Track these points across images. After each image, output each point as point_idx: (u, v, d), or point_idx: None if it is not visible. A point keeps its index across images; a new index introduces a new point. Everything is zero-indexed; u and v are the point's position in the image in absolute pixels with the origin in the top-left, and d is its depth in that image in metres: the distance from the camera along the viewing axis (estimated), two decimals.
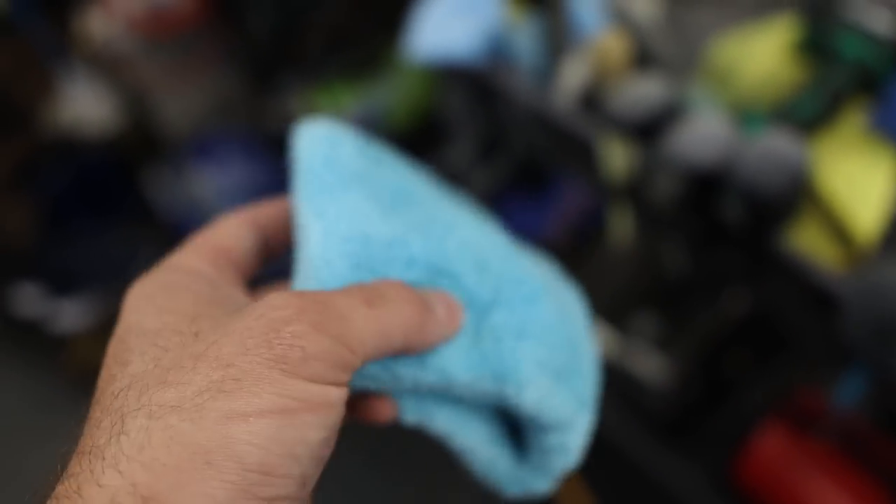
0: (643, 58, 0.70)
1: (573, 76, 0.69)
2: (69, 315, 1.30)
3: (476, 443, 0.33)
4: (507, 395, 0.30)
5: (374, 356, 0.26)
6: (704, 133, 0.59)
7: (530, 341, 0.31)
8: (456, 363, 0.29)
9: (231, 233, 0.31)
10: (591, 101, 0.70)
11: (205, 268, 0.29)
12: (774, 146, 0.57)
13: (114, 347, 0.26)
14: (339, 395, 0.24)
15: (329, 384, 0.24)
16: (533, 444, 0.33)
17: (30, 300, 1.32)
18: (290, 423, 0.22)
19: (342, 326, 0.25)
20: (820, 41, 0.65)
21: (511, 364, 0.30)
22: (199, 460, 0.21)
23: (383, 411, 0.32)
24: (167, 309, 0.26)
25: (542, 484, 0.34)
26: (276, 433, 0.22)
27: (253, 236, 0.32)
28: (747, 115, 0.65)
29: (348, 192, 0.30)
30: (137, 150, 1.44)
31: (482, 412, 0.34)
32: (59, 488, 0.22)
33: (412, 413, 0.32)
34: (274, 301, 0.24)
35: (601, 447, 0.95)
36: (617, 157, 0.67)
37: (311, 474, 0.24)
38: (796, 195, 0.59)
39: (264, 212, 0.33)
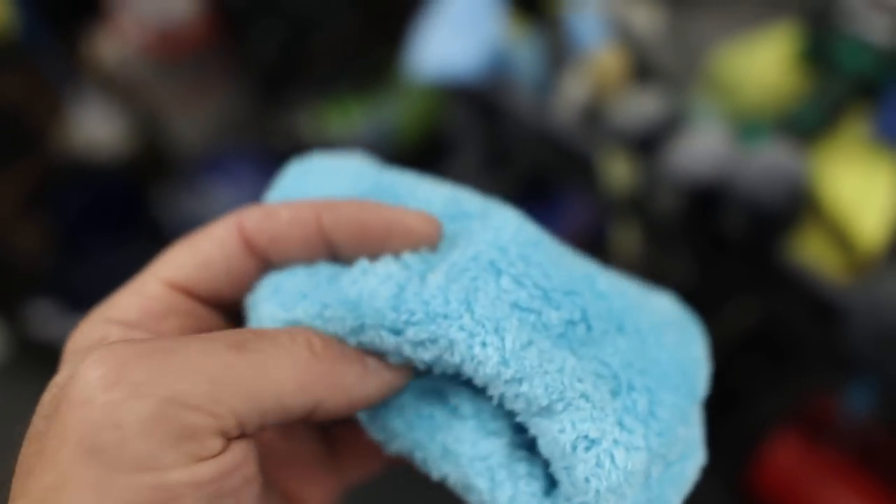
0: (643, 71, 0.70)
1: (574, 91, 0.70)
2: None
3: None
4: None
5: (252, 414, 0.19)
6: (704, 146, 0.59)
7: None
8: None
9: (202, 259, 0.24)
10: (592, 115, 0.70)
11: (141, 319, 0.23)
12: (775, 159, 0.57)
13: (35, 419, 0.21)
14: (191, 474, 0.18)
15: (176, 466, 0.17)
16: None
17: (45, 320, 1.33)
18: None
19: (182, 382, 0.18)
20: (820, 50, 0.65)
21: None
22: None
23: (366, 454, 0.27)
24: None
25: None
26: None
27: (245, 256, 0.24)
28: (749, 125, 0.65)
29: None
30: (149, 169, 1.46)
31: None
32: None
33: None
34: (92, 357, 0.18)
35: None
36: (619, 171, 0.67)
37: None
38: (797, 207, 0.59)
39: (273, 227, 0.24)
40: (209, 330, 0.24)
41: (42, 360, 1.42)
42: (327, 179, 0.28)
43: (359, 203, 0.24)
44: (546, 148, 0.76)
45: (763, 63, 0.69)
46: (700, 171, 0.59)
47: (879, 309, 0.53)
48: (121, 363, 0.18)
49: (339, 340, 0.23)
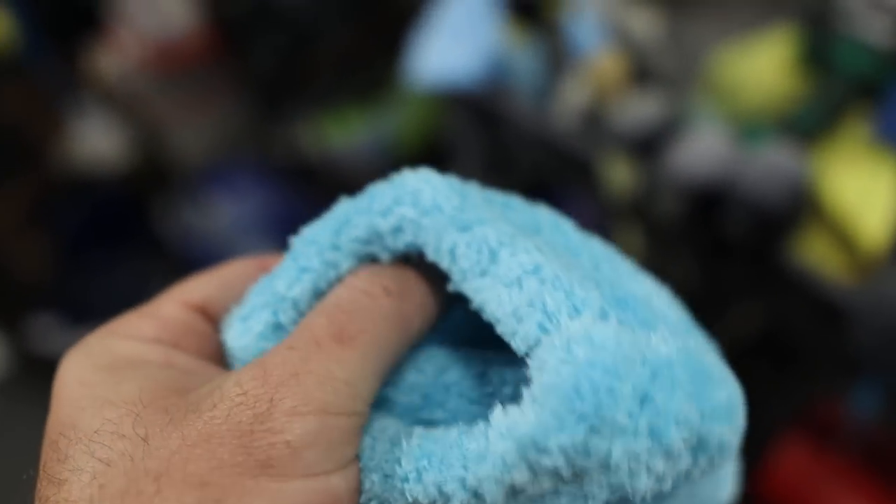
0: (643, 74, 0.70)
1: (573, 96, 0.70)
2: None
3: None
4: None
5: (375, 390, 0.21)
6: (703, 149, 0.59)
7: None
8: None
9: (220, 281, 0.25)
10: (592, 119, 0.70)
11: (153, 333, 0.23)
12: (775, 161, 0.57)
13: (46, 454, 0.20)
14: (345, 478, 0.20)
15: (332, 472, 0.19)
16: None
17: (46, 334, 1.33)
18: None
19: (325, 392, 0.19)
20: (819, 52, 0.65)
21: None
22: None
23: None
24: (107, 400, 0.20)
25: None
26: None
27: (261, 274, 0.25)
28: (750, 127, 0.65)
29: None
30: (149, 183, 1.46)
31: None
32: None
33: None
34: (233, 390, 0.19)
35: None
36: (620, 175, 0.67)
37: None
38: (800, 209, 0.58)
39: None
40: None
41: (43, 373, 1.42)
42: None
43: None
44: (546, 153, 0.76)
45: (763, 65, 0.69)
46: (701, 173, 0.59)
47: (884, 310, 0.53)
48: (264, 394, 0.19)
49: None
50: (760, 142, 0.62)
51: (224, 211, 1.38)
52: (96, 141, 1.31)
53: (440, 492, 0.21)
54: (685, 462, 0.21)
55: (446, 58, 0.75)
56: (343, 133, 1.33)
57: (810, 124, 0.62)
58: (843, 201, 0.60)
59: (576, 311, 0.21)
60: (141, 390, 0.20)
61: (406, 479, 0.21)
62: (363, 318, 0.21)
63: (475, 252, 0.22)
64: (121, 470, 0.18)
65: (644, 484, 0.21)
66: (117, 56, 1.26)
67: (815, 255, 0.62)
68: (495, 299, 0.22)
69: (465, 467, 0.20)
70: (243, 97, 1.41)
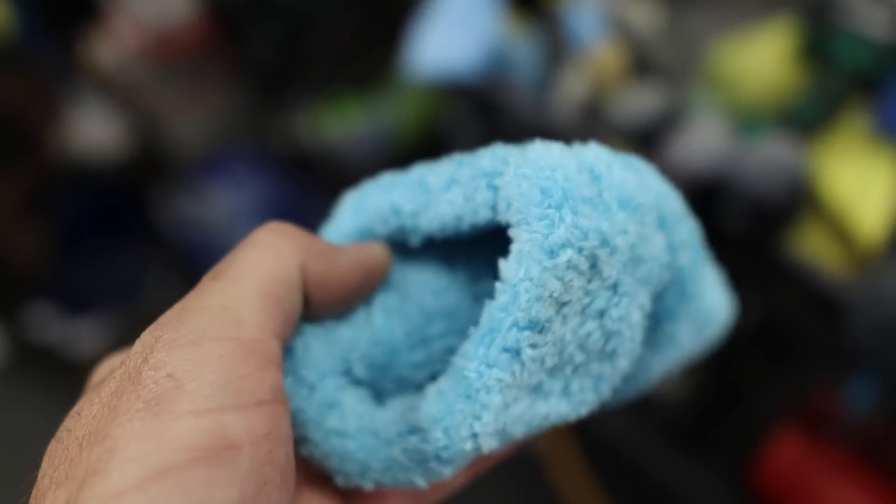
0: (642, 66, 0.70)
1: (572, 87, 0.70)
2: (83, 337, 1.32)
3: None
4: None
5: (264, 314, 0.21)
6: (702, 141, 0.59)
7: None
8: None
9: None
10: (591, 111, 0.70)
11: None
12: (772, 153, 0.57)
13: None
14: (247, 419, 0.18)
15: (228, 410, 0.18)
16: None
17: (43, 323, 1.33)
18: (179, 486, 0.17)
19: (200, 319, 0.20)
20: (819, 46, 0.65)
21: None
22: None
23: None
24: (87, 396, 0.21)
25: None
26: None
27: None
28: (749, 120, 0.65)
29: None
30: (147, 172, 1.46)
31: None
32: None
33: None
34: (134, 347, 0.20)
35: (615, 455, 0.95)
36: None
37: None
38: (797, 201, 0.59)
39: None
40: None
41: (40, 362, 1.42)
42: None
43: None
44: None
45: (762, 58, 0.69)
46: (699, 166, 0.59)
47: (880, 303, 0.53)
48: (155, 325, 0.20)
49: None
50: (759, 135, 0.62)
51: (221, 200, 1.38)
52: (94, 130, 1.31)
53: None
54: (659, 238, 0.25)
55: (445, 49, 0.75)
56: (341, 123, 1.33)
57: (809, 117, 0.62)
58: (841, 194, 0.60)
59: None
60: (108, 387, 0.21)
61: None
62: (233, 256, 0.22)
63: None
64: (64, 444, 0.19)
65: (645, 253, 0.24)
66: (115, 45, 1.25)
67: (813, 248, 0.62)
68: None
69: (505, 310, 0.22)
70: (241, 86, 1.40)
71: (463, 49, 0.74)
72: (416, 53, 0.77)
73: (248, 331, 0.20)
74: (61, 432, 0.20)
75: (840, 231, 0.61)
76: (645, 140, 0.64)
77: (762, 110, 0.67)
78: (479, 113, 0.83)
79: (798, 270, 0.61)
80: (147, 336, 0.20)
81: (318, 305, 0.24)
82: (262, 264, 0.22)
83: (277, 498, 0.19)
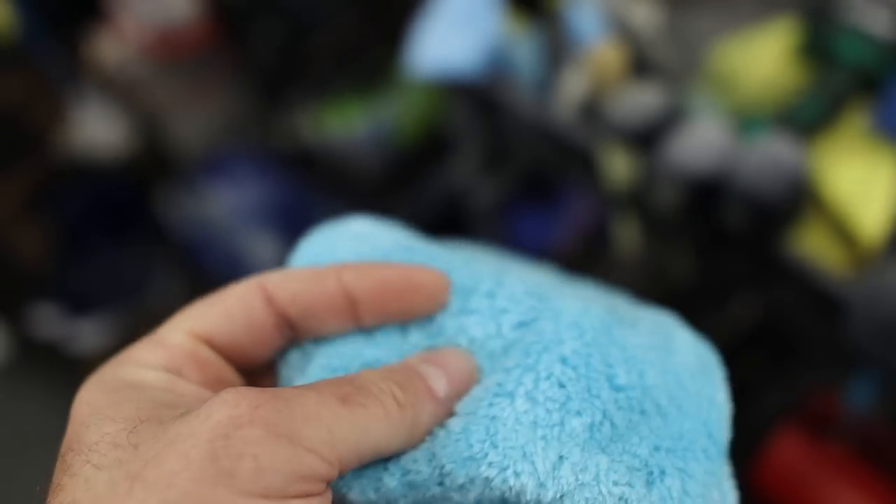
0: (642, 65, 0.70)
1: (573, 86, 0.70)
2: (86, 335, 1.32)
3: None
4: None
5: (352, 462, 0.22)
6: (702, 140, 0.60)
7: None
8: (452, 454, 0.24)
9: (224, 310, 0.26)
10: (591, 110, 0.70)
11: (159, 361, 0.24)
12: (773, 151, 0.57)
13: (56, 469, 0.22)
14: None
15: (294, 497, 0.20)
16: None
17: (47, 321, 1.33)
18: None
19: (307, 428, 0.20)
20: (820, 44, 0.65)
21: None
22: None
23: None
24: (108, 417, 0.22)
25: None
26: None
27: (266, 312, 0.26)
28: (749, 120, 0.65)
29: None
30: (150, 170, 1.46)
31: None
32: None
33: None
34: (224, 397, 0.20)
35: None
36: (618, 166, 0.67)
37: None
38: (797, 199, 0.59)
39: (294, 285, 0.26)
40: (227, 381, 0.26)
41: (44, 361, 1.42)
42: (352, 246, 0.29)
43: (378, 263, 0.27)
44: (546, 144, 0.76)
45: (763, 57, 0.69)
46: (700, 165, 0.59)
47: (879, 301, 0.53)
48: (253, 405, 0.20)
49: (415, 373, 0.25)
50: (760, 133, 0.62)
51: (224, 199, 1.38)
52: (97, 128, 1.31)
53: None
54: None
55: (446, 47, 0.75)
56: (343, 122, 1.33)
57: (810, 116, 0.62)
58: (842, 193, 0.60)
59: None
60: (139, 409, 0.22)
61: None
62: (367, 398, 0.23)
63: None
64: (108, 473, 0.20)
65: None
66: (118, 43, 1.26)
67: (813, 246, 0.62)
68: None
69: None
70: (244, 85, 1.41)
71: (464, 47, 0.74)
72: (418, 52, 0.78)
73: (335, 459, 0.21)
74: (99, 459, 0.20)
75: (841, 230, 0.61)
76: (645, 139, 0.64)
77: (763, 109, 0.67)
78: (481, 112, 0.84)
79: (799, 269, 0.61)
80: (246, 403, 0.20)
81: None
82: (380, 432, 0.23)
83: None
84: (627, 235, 0.77)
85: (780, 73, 0.68)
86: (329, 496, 0.21)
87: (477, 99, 0.81)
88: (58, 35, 1.25)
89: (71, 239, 1.39)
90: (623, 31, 0.71)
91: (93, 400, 0.23)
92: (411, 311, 0.27)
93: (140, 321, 1.25)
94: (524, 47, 0.74)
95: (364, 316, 0.26)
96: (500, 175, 0.88)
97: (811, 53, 0.66)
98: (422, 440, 0.24)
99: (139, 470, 0.19)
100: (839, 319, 0.58)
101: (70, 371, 1.29)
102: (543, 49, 0.72)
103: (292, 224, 1.38)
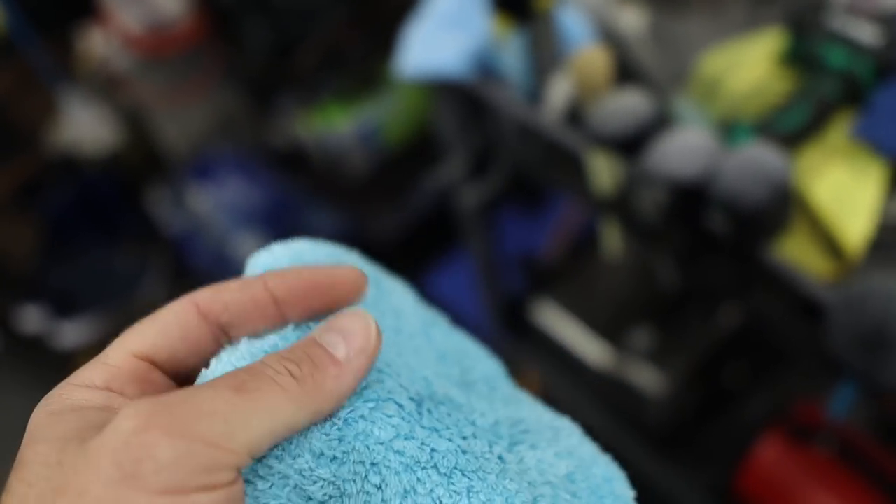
0: (628, 72, 0.70)
1: (559, 91, 0.70)
2: (73, 332, 1.31)
3: None
4: None
5: (265, 444, 0.24)
6: (685, 146, 0.60)
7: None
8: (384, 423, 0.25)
9: (161, 328, 0.27)
10: (577, 115, 0.70)
11: (102, 381, 0.26)
12: (754, 157, 0.57)
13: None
14: (212, 499, 0.22)
15: (198, 491, 0.21)
16: None
17: (34, 320, 1.33)
18: None
19: (202, 423, 0.22)
20: (805, 53, 0.65)
21: None
22: None
23: None
24: (44, 437, 0.23)
25: None
26: None
27: (200, 324, 0.28)
28: (734, 127, 0.66)
29: None
30: (138, 168, 1.46)
31: None
32: None
33: None
34: (125, 411, 0.22)
35: None
36: (603, 171, 0.67)
37: None
38: (780, 206, 0.59)
39: (225, 296, 0.28)
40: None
41: (30, 358, 1.42)
42: (290, 261, 0.31)
43: (300, 267, 0.29)
44: (532, 147, 0.77)
45: (748, 65, 0.69)
46: (684, 171, 0.60)
47: (858, 308, 0.54)
48: (150, 413, 0.22)
49: (314, 344, 0.26)
50: (744, 141, 0.63)
51: (212, 196, 1.38)
52: (86, 125, 1.31)
53: None
54: None
55: (435, 49, 0.75)
56: (332, 122, 1.34)
57: (795, 124, 0.63)
58: (825, 200, 0.61)
59: None
60: (70, 429, 0.23)
61: None
62: (262, 382, 0.24)
63: None
64: (37, 489, 0.22)
65: None
66: (108, 40, 1.25)
67: (798, 253, 0.62)
68: None
69: None
70: (233, 84, 1.40)
71: (452, 49, 0.74)
72: (407, 54, 0.78)
73: (239, 448, 0.23)
74: (31, 476, 0.22)
75: (824, 237, 0.61)
76: (630, 145, 0.64)
77: (748, 116, 0.67)
78: (469, 113, 0.84)
79: (783, 276, 0.62)
80: (146, 410, 0.22)
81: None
82: (283, 409, 0.24)
83: None
84: (614, 240, 0.77)
85: (765, 81, 0.68)
86: (241, 483, 0.23)
87: (464, 101, 0.82)
88: (47, 32, 1.24)
89: (58, 236, 1.39)
90: (609, 38, 0.72)
91: (37, 421, 0.24)
92: (332, 305, 0.29)
93: (127, 318, 1.25)
94: (512, 51, 0.74)
95: (290, 314, 0.28)
96: (489, 178, 0.88)
97: (796, 61, 0.67)
98: (340, 403, 0.25)
99: (61, 484, 0.21)
100: (822, 328, 0.58)
101: (58, 365, 1.28)
102: (531, 52, 0.73)
103: (280, 223, 1.38)
